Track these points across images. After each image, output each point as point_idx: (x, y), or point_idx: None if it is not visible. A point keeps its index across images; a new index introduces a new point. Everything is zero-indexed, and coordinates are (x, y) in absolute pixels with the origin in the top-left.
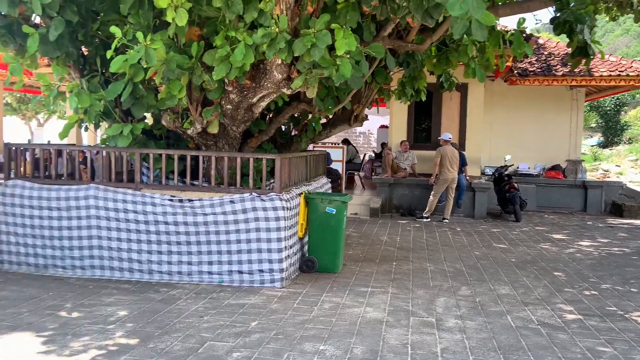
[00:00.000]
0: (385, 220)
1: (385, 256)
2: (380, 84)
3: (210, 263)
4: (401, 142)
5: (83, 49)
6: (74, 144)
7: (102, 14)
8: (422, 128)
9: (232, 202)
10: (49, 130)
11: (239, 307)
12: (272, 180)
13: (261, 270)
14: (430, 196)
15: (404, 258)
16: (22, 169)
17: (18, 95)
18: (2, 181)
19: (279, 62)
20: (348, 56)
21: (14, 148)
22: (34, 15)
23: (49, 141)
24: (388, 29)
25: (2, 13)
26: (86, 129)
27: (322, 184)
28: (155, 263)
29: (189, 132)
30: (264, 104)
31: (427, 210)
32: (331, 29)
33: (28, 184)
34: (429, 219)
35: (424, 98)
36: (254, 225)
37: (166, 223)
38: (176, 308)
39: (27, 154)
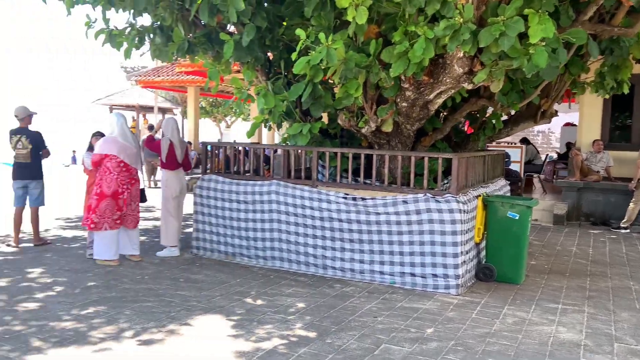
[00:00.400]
0: (572, 229)
1: (576, 270)
2: (574, 75)
3: (381, 263)
4: (593, 142)
5: (269, 53)
6: (258, 143)
7: (287, 19)
8: (620, 125)
9: (405, 202)
10: (235, 131)
11: (412, 311)
12: (445, 181)
13: (435, 275)
14: (630, 204)
15: (600, 274)
16: (215, 164)
17: (211, 99)
18: (200, 175)
19: (461, 54)
20: (543, 44)
21: (208, 146)
22: (228, 25)
23: (234, 140)
24: (589, 11)
25: (203, 22)
26: (269, 128)
27: (501, 187)
28: (329, 259)
29: (363, 130)
30: (440, 100)
31: (625, 219)
32: (523, 15)
33: (220, 178)
34: (627, 230)
35: (626, 91)
36: (427, 227)
37: (340, 220)
38: (350, 305)
39: (220, 151)
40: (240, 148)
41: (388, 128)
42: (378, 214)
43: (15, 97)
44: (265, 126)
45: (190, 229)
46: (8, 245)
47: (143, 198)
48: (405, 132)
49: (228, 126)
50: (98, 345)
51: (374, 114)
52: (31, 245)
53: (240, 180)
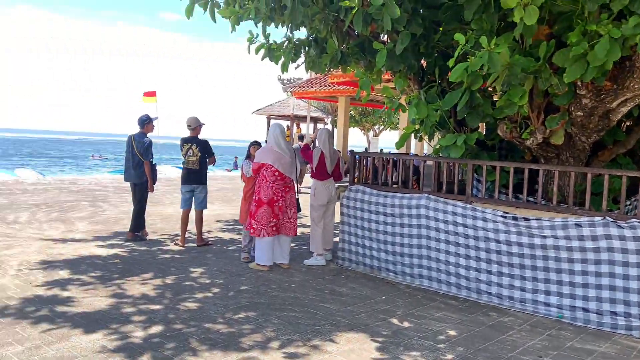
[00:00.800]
0: None
1: None
2: None
3: (547, 293)
4: None
5: (422, 61)
6: (406, 153)
7: (443, 24)
8: None
9: (578, 225)
10: (383, 140)
11: (585, 354)
12: (628, 203)
13: (614, 312)
14: None
15: None
16: (363, 174)
17: (360, 109)
18: (348, 185)
19: None
20: None
21: (357, 156)
22: (381, 34)
23: (381, 149)
24: None
25: (356, 33)
26: (420, 139)
27: None
28: (483, 283)
29: (527, 142)
30: (625, 109)
31: None
32: None
33: (367, 189)
34: None
35: None
36: (606, 257)
37: (497, 241)
38: (509, 339)
39: (368, 161)
40: (388, 158)
41: (558, 140)
42: (544, 237)
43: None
44: (415, 137)
45: (337, 239)
46: (176, 244)
47: (298, 208)
48: (579, 145)
49: (376, 135)
50: (246, 353)
51: (541, 125)
52: (194, 245)
53: (388, 192)
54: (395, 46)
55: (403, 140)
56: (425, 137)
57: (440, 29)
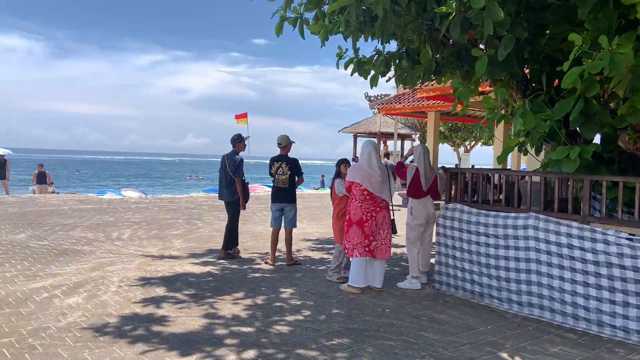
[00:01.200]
0: None
1: None
2: None
3: None
4: None
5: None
6: (509, 169)
7: (550, 27)
8: None
9: None
10: (475, 156)
11: None
12: None
13: None
14: None
15: None
16: (460, 192)
17: (450, 124)
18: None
19: None
20: None
21: (453, 172)
22: (479, 41)
23: (472, 166)
24: None
25: (451, 41)
26: (525, 152)
27: None
28: (606, 314)
29: None
30: None
31: None
32: None
33: (466, 208)
34: None
35: None
36: None
37: (622, 267)
38: None
39: (465, 177)
40: (489, 174)
41: None
42: None
43: None
44: (519, 150)
45: (433, 260)
46: (266, 263)
47: (393, 229)
48: None
49: (467, 150)
50: None
51: None
52: (284, 264)
53: (490, 211)
54: (498, 52)
55: (506, 155)
56: (532, 150)
57: (547, 32)
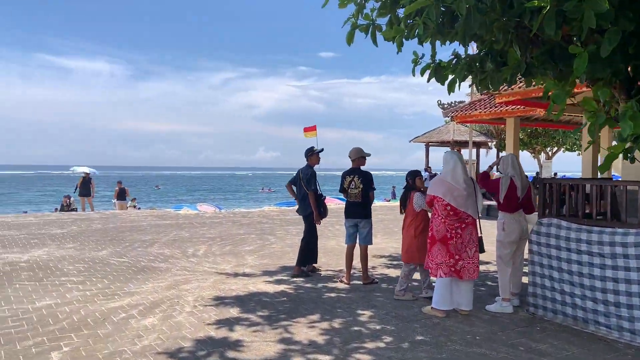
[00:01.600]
0: None
1: None
2: None
3: None
4: None
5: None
6: (609, 179)
7: None
8: None
9: None
10: (557, 163)
11: None
12: None
13: None
14: None
15: None
16: (556, 205)
17: (529, 130)
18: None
19: None
20: None
21: (548, 183)
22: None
23: (555, 174)
24: None
25: (540, 39)
26: (632, 160)
27: None
28: None
29: None
30: None
31: None
32: None
33: (564, 223)
34: None
35: None
36: None
37: None
38: None
39: (561, 188)
40: (592, 185)
41: None
42: None
43: None
44: (625, 157)
45: (526, 280)
46: (341, 281)
47: (480, 247)
48: None
49: (549, 157)
50: None
51: None
52: (360, 283)
53: (593, 227)
54: (600, 48)
55: (609, 163)
56: None
57: None
